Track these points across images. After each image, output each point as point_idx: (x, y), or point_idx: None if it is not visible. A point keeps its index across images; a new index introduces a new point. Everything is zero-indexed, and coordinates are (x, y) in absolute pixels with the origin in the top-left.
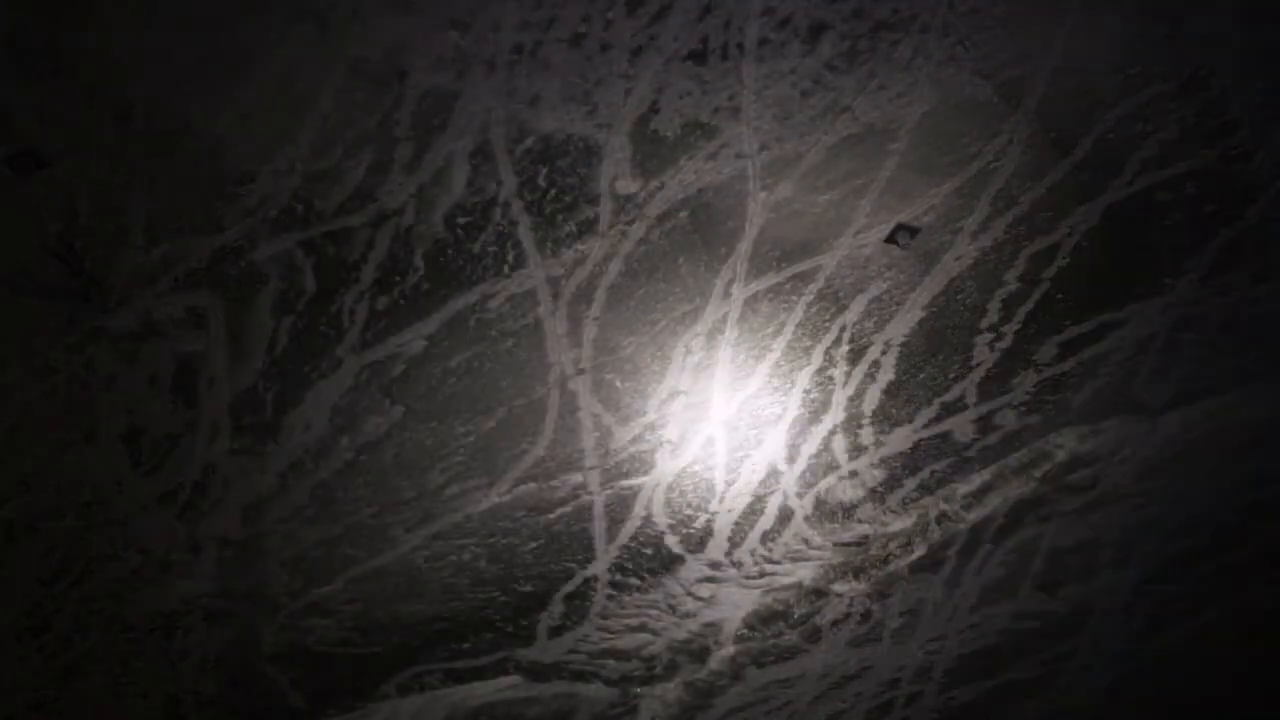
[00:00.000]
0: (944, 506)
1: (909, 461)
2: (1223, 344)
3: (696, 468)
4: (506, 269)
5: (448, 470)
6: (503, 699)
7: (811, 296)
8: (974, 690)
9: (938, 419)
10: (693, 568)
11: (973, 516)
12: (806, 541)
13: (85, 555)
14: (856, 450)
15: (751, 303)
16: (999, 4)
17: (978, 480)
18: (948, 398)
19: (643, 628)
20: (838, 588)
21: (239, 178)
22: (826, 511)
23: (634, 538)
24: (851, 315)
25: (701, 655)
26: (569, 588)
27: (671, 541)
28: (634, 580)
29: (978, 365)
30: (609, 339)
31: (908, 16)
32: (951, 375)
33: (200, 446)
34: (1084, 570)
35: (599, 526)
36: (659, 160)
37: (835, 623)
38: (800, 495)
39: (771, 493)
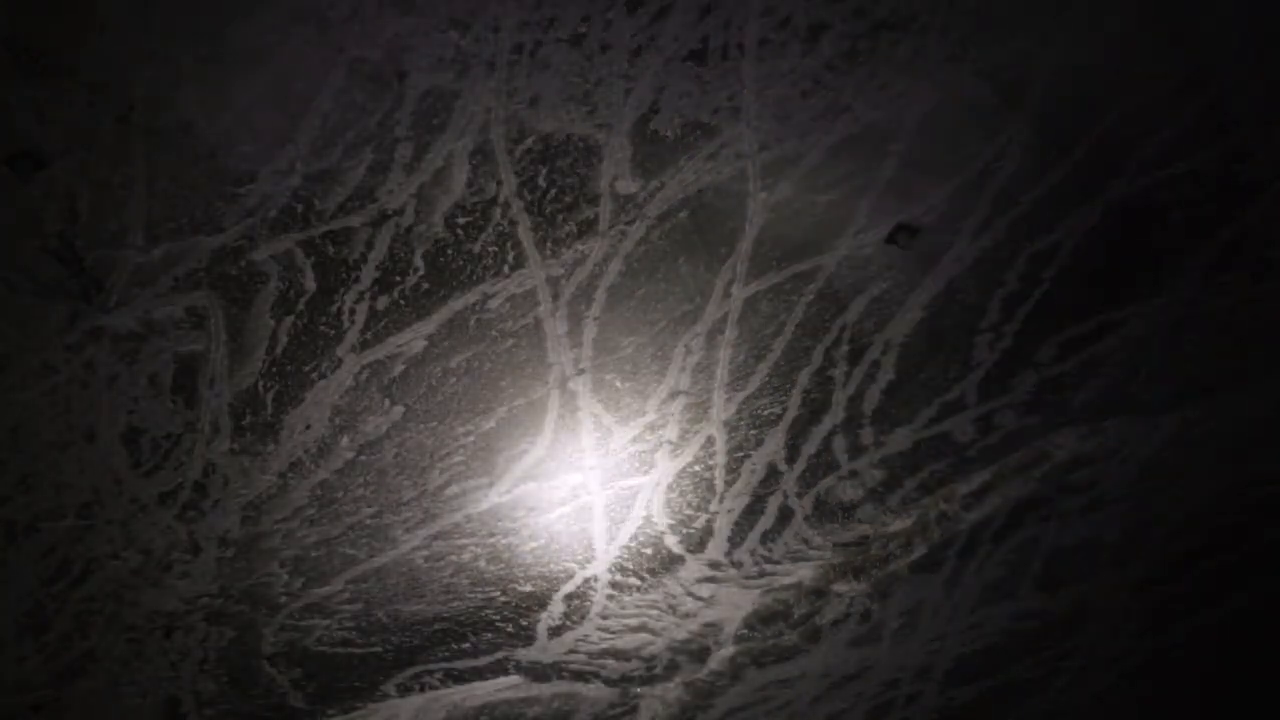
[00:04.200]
0: (944, 506)
1: (909, 461)
2: (1223, 344)
3: (696, 468)
4: (506, 269)
5: (448, 470)
6: (503, 699)
7: (811, 296)
8: (974, 690)
9: (938, 419)
10: (693, 568)
11: (973, 516)
12: (806, 541)
13: (85, 555)
14: (856, 450)
15: (751, 303)
16: (999, 4)
17: (978, 480)
18: (948, 398)
19: (643, 628)
20: (838, 588)
21: (239, 178)
22: (826, 511)
23: (634, 538)
24: (851, 315)
25: (701, 655)
26: (569, 588)
27: (671, 541)
28: (634, 580)
29: (978, 365)
30: (609, 339)
31: (908, 16)
32: (951, 375)
33: (200, 446)
34: (1084, 570)
35: (599, 526)
36: (659, 160)
37: (835, 623)
38: (800, 495)
39: (771, 493)
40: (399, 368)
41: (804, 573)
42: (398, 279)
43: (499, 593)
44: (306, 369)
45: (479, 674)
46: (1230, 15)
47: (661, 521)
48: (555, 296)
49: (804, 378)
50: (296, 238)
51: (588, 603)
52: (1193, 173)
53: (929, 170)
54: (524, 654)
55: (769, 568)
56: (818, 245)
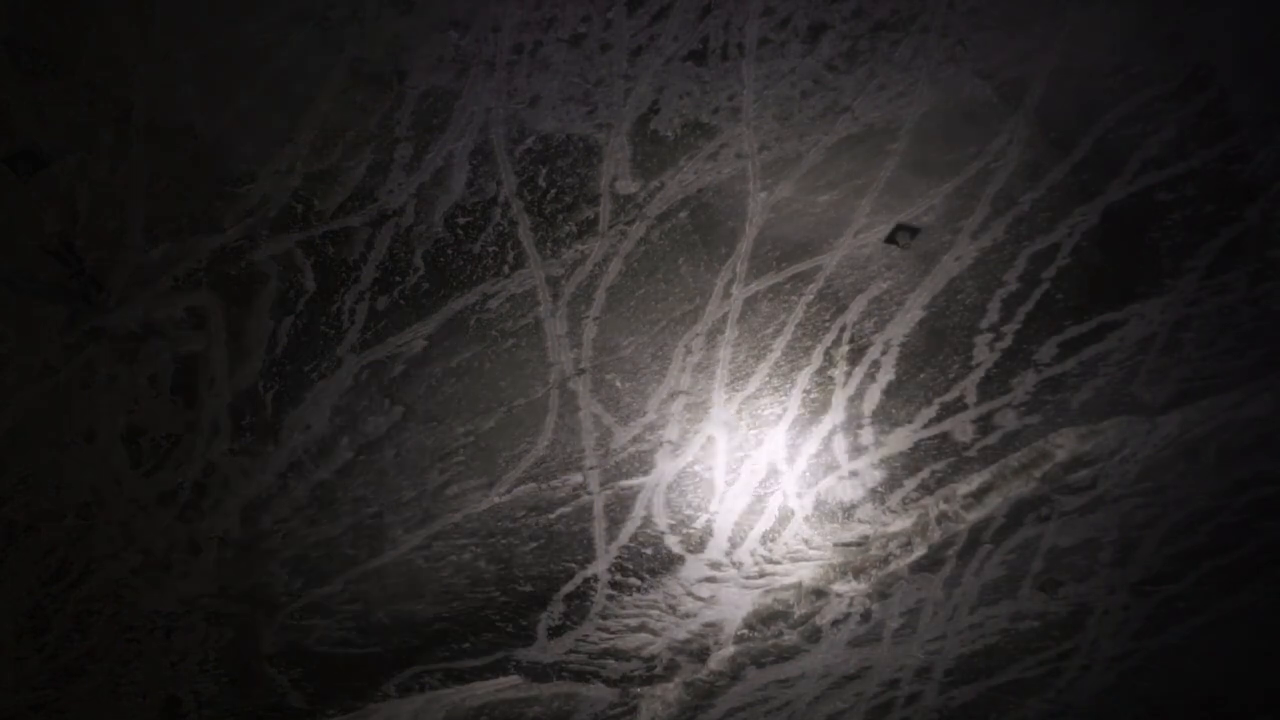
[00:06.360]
0: (944, 506)
1: (909, 461)
2: (1223, 344)
3: (696, 468)
4: (506, 269)
5: (448, 470)
6: (503, 699)
7: (811, 296)
8: (974, 690)
9: (938, 419)
10: (693, 568)
11: (973, 516)
12: (806, 541)
13: (85, 555)
14: (856, 450)
15: (751, 303)
16: (999, 4)
17: (978, 480)
18: (948, 398)
19: (643, 628)
20: (838, 588)
21: (239, 178)
22: (826, 511)
23: (634, 538)
24: (851, 315)
25: (701, 655)
26: (569, 588)
27: (671, 541)
28: (634, 580)
29: (978, 365)
30: (609, 339)
31: (908, 16)
32: (951, 375)
33: (200, 446)
34: (1084, 570)
35: (599, 526)
36: (659, 160)
37: (835, 623)
38: (800, 495)
39: (771, 493)
40: (399, 368)
41: (804, 573)
42: (398, 279)
43: (499, 593)
44: (306, 369)
45: (479, 674)
46: (1230, 15)
47: (661, 521)
48: (555, 296)
49: (804, 378)
50: (296, 238)
51: (588, 603)
52: (1193, 173)
53: (929, 170)
54: (524, 654)
55: (769, 568)
56: (818, 245)
